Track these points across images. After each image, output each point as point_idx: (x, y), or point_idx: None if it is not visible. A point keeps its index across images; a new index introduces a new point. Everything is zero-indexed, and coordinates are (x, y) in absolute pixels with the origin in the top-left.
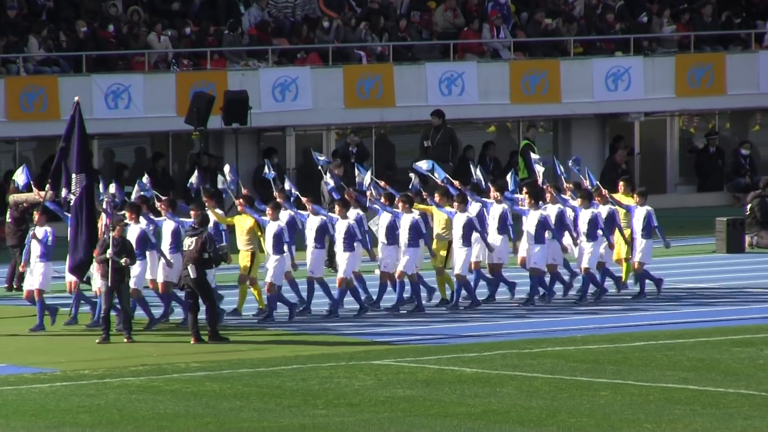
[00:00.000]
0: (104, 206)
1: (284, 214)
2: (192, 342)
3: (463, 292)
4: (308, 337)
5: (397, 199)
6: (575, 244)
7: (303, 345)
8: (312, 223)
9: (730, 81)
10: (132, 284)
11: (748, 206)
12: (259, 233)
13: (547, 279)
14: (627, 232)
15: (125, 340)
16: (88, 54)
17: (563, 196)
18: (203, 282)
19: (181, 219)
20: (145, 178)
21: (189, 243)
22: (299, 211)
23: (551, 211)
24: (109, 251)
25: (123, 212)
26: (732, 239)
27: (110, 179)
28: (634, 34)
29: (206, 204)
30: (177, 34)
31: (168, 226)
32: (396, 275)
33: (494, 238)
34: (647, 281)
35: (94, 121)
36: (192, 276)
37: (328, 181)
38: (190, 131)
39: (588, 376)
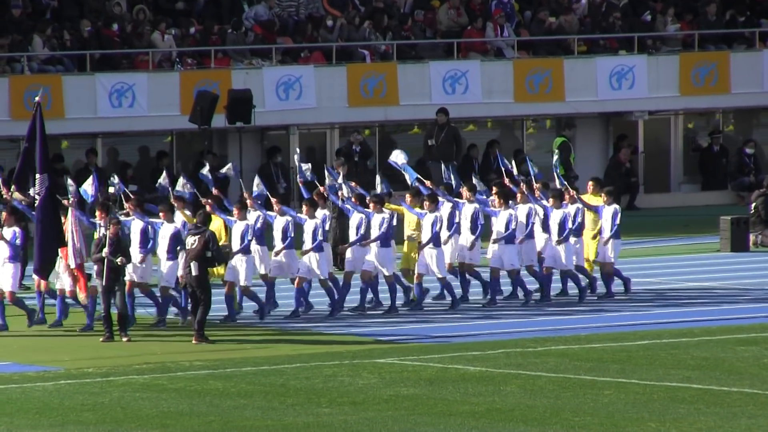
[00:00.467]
0: (70, 203)
1: (252, 215)
2: (194, 341)
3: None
4: (312, 335)
5: (368, 199)
6: (559, 244)
7: (306, 343)
8: (278, 224)
9: (734, 80)
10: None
11: (753, 205)
12: (224, 234)
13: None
14: (594, 232)
15: (124, 339)
16: (92, 53)
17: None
18: (205, 281)
19: (150, 219)
20: (115, 177)
21: (192, 241)
22: (268, 212)
23: (521, 211)
24: (105, 250)
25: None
26: (736, 238)
27: (112, 176)
28: (638, 33)
29: (175, 205)
30: (181, 33)
31: (136, 225)
32: (387, 280)
33: (467, 238)
34: (615, 280)
35: (98, 120)
36: (194, 274)
37: (306, 171)
38: (194, 130)
39: (592, 375)
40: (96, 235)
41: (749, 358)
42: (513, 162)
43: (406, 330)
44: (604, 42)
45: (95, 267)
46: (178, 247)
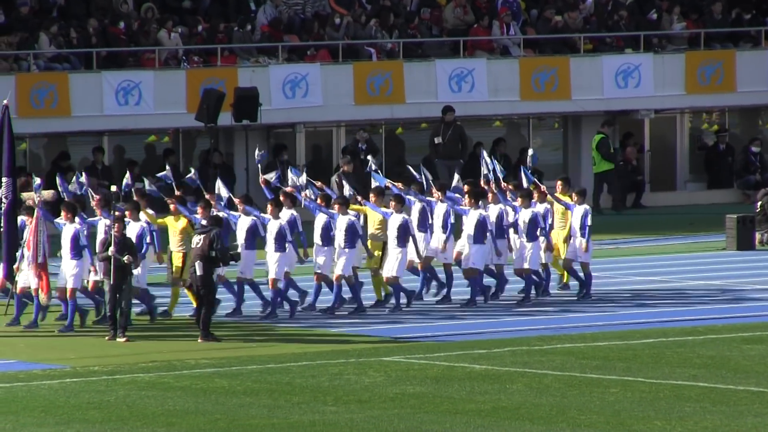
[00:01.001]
0: (36, 204)
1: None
2: (199, 341)
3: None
4: (318, 333)
5: (333, 200)
6: (510, 249)
7: (312, 342)
8: (242, 224)
9: (739, 78)
10: (71, 284)
11: (759, 203)
12: (192, 233)
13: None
14: (565, 232)
15: (122, 339)
16: (99, 51)
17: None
18: (209, 280)
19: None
20: (83, 177)
21: (197, 241)
22: (231, 212)
23: (492, 211)
24: (111, 249)
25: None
26: (742, 236)
27: (122, 174)
28: (644, 32)
29: (139, 204)
30: (187, 31)
31: (102, 225)
32: (334, 278)
33: (439, 237)
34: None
35: (105, 118)
36: (199, 273)
37: (269, 175)
38: (201, 128)
39: (598, 373)
40: (99, 235)
41: (755, 356)
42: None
43: (412, 328)
44: (610, 40)
45: (102, 266)
46: (143, 248)
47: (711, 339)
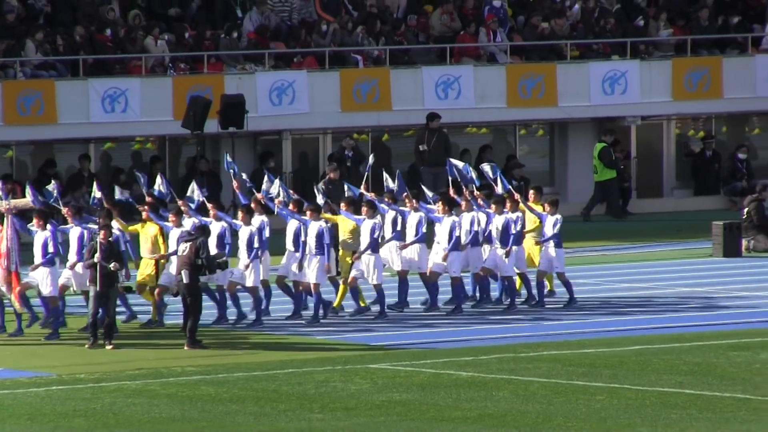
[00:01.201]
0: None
1: (188, 222)
2: (186, 348)
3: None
4: (304, 341)
5: (305, 206)
6: (507, 255)
7: (299, 349)
8: (214, 230)
9: (726, 84)
10: (47, 292)
11: (745, 210)
12: (161, 241)
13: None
14: (536, 240)
15: (108, 347)
16: (85, 58)
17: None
18: (195, 288)
19: (88, 226)
20: (52, 185)
21: (183, 248)
22: (203, 218)
23: (465, 218)
24: (97, 255)
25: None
26: (729, 243)
27: (111, 183)
28: (630, 38)
29: (112, 212)
30: (174, 38)
31: (74, 233)
32: (312, 288)
33: (413, 247)
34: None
35: (91, 125)
36: (185, 281)
37: (239, 184)
38: (187, 135)
39: (584, 380)
40: (71, 243)
41: (741, 363)
42: (473, 170)
43: (398, 336)
44: (596, 47)
45: (88, 273)
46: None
47: (697, 346)
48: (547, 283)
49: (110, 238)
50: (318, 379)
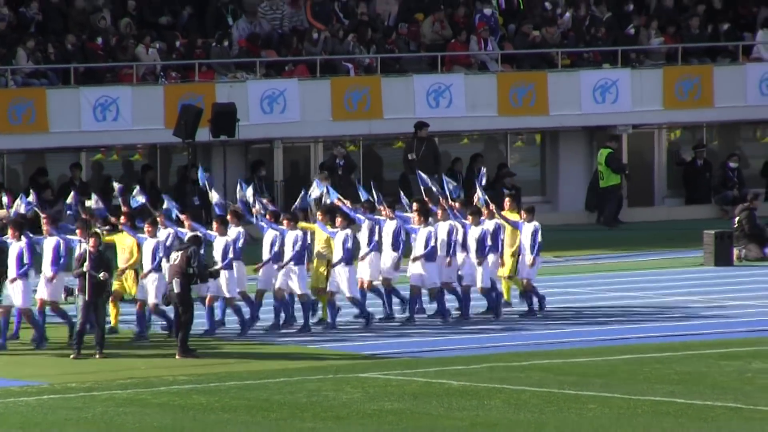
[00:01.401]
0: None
1: (163, 233)
2: (177, 357)
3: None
4: (295, 350)
5: (282, 216)
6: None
7: (290, 358)
8: None
9: (717, 93)
10: (20, 303)
11: (736, 219)
12: (136, 251)
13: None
14: (513, 249)
15: (96, 356)
16: (77, 66)
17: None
18: (186, 297)
19: (66, 236)
20: (32, 196)
21: (174, 257)
22: (180, 228)
23: (441, 228)
24: (87, 265)
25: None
26: (720, 252)
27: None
28: (621, 46)
29: (90, 222)
30: (165, 47)
31: (49, 243)
32: (299, 298)
33: (388, 254)
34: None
35: (82, 134)
36: (176, 290)
37: (214, 196)
38: (178, 143)
39: (576, 389)
40: (77, 251)
41: (732, 372)
42: (448, 182)
43: (390, 344)
44: (587, 55)
45: (77, 282)
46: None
47: (688, 355)
48: (504, 291)
49: (100, 248)
50: (309, 388)
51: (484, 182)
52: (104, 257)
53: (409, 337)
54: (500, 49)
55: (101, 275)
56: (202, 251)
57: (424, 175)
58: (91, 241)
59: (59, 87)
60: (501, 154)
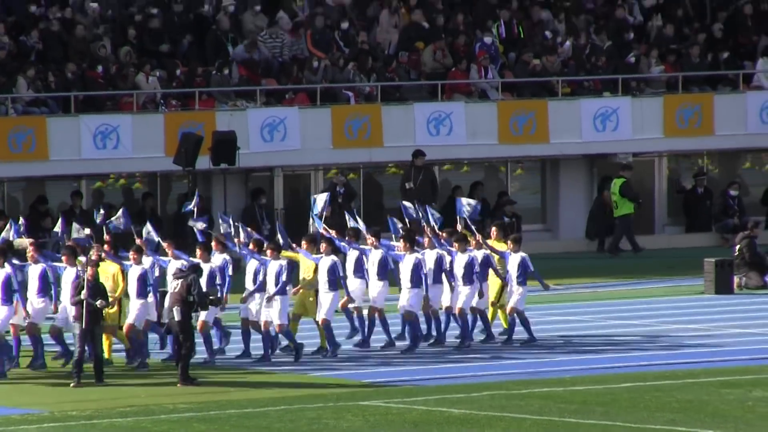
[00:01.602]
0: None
1: (147, 260)
2: (179, 385)
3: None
4: (296, 378)
5: (265, 245)
6: (451, 289)
7: (291, 386)
8: (173, 268)
9: (718, 121)
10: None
11: (737, 247)
12: (121, 279)
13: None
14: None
15: (95, 383)
16: (77, 94)
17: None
18: (186, 325)
19: (52, 263)
20: (21, 222)
21: (174, 285)
22: (160, 257)
23: (429, 256)
24: (84, 293)
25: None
26: (720, 280)
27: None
28: (622, 75)
29: (76, 250)
30: (165, 75)
31: (35, 270)
32: (276, 328)
33: (374, 284)
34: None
35: (83, 162)
36: (177, 318)
37: (196, 224)
38: (179, 171)
39: (576, 418)
40: (31, 280)
41: (733, 400)
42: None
43: (391, 372)
44: (588, 84)
45: (74, 310)
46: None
47: (689, 383)
48: (501, 320)
49: (97, 276)
50: (310, 416)
51: (465, 213)
52: (101, 285)
53: (409, 365)
54: (501, 77)
55: (98, 303)
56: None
57: (409, 206)
58: (89, 269)
59: (59, 115)
60: (501, 182)
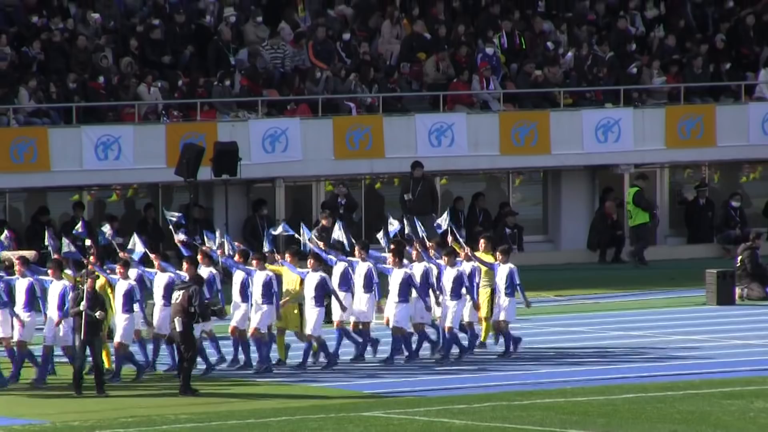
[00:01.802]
0: None
1: (133, 272)
2: (179, 395)
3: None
4: (297, 388)
5: (251, 256)
6: (438, 303)
7: (292, 397)
8: (159, 281)
9: (720, 132)
10: None
11: (739, 258)
12: (110, 291)
13: (415, 338)
14: (488, 290)
15: (96, 394)
16: (78, 105)
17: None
18: (188, 335)
19: (39, 277)
20: (5, 234)
21: (177, 296)
22: (146, 269)
23: (417, 269)
24: (83, 304)
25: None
26: (722, 291)
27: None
28: (623, 86)
29: (62, 263)
30: (167, 86)
31: (21, 284)
32: (249, 332)
33: (360, 296)
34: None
35: (84, 172)
36: (178, 329)
37: (179, 237)
38: (180, 182)
39: (578, 429)
40: (18, 293)
41: (735, 411)
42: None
43: (392, 383)
44: (590, 95)
45: (72, 321)
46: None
47: (691, 394)
48: (482, 332)
49: (95, 287)
50: (311, 426)
51: (444, 226)
52: (100, 297)
53: (411, 376)
54: (502, 88)
55: (97, 314)
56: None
57: (395, 222)
58: (88, 280)
59: (61, 126)
60: (503, 193)
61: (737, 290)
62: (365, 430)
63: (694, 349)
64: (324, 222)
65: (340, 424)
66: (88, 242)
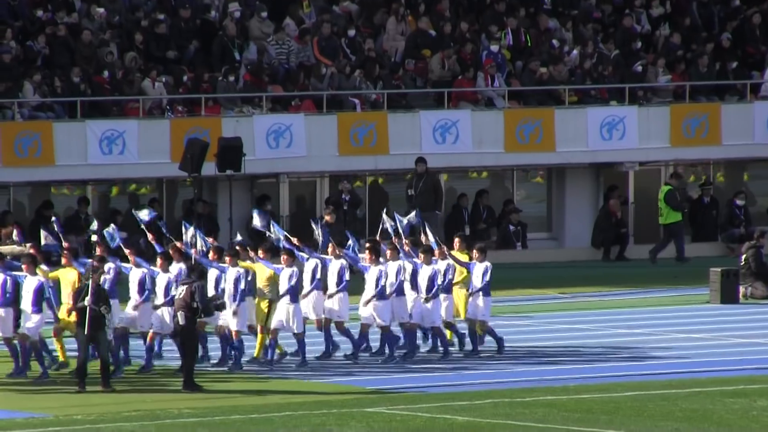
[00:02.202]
0: None
1: (106, 267)
2: (182, 390)
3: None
4: (300, 384)
5: (224, 252)
6: (427, 301)
7: (295, 392)
8: (134, 276)
9: (725, 131)
10: None
11: (743, 257)
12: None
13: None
14: (465, 290)
15: (101, 388)
16: (83, 100)
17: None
18: (190, 330)
19: (13, 273)
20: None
21: (180, 291)
22: (123, 263)
23: (391, 267)
24: (87, 299)
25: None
26: (726, 290)
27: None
28: (629, 84)
29: (36, 258)
30: (172, 81)
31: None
32: (233, 335)
33: (332, 294)
34: (487, 338)
35: (89, 167)
36: (181, 323)
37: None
38: (184, 177)
39: (580, 426)
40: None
41: (738, 410)
42: (400, 220)
43: (394, 379)
44: (595, 92)
45: (76, 316)
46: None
47: (694, 392)
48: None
49: (99, 281)
50: (314, 422)
51: (406, 226)
52: (103, 291)
53: (413, 373)
54: (507, 85)
55: (102, 309)
56: (149, 287)
57: (386, 221)
58: (93, 275)
59: (66, 120)
60: (507, 190)
61: (741, 289)
62: (368, 426)
63: (698, 347)
64: (327, 218)
65: (343, 420)
66: (94, 238)
